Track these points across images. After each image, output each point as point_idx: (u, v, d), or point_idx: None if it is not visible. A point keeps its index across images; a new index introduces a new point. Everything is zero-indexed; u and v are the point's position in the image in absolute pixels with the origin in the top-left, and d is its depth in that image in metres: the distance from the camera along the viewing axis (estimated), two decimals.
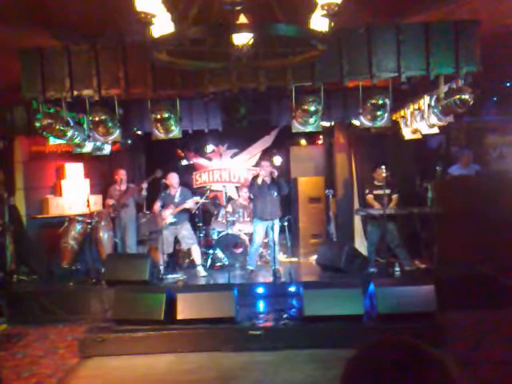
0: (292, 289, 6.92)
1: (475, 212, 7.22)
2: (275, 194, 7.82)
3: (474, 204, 7.30)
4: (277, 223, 7.91)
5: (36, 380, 5.06)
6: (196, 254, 8.19)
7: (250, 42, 3.97)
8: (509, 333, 5.53)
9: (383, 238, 7.63)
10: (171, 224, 8.11)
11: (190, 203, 8.26)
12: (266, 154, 10.03)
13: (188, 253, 8.58)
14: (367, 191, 8.15)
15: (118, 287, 6.38)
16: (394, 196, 7.92)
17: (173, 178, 8.30)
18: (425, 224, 8.12)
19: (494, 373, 4.61)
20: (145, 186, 8.53)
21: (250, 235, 8.77)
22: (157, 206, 8.25)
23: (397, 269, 7.41)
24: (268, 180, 7.88)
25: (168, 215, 8.10)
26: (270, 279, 7.29)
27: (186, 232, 8.19)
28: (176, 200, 8.22)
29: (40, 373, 5.24)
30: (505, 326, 5.82)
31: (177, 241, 8.36)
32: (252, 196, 8.17)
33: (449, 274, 7.13)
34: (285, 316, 6.09)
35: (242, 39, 3.97)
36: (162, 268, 7.83)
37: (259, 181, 7.80)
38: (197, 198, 8.52)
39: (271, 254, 7.76)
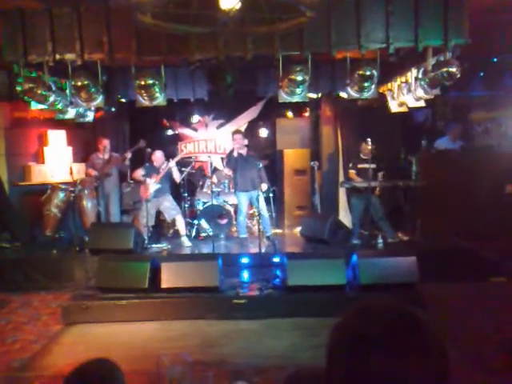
0: (276, 259, 6.96)
1: (459, 186, 7.29)
2: (253, 164, 7.87)
3: (457, 178, 7.36)
4: (260, 193, 7.93)
5: (19, 346, 5.06)
6: (180, 225, 8.19)
7: (237, 7, 3.89)
8: (489, 304, 5.64)
9: (367, 211, 7.70)
10: (155, 195, 8.04)
11: (176, 172, 8.21)
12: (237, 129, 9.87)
13: (172, 223, 8.56)
14: (351, 165, 8.18)
15: (101, 255, 6.36)
16: (380, 174, 7.95)
17: (158, 157, 8.24)
18: (409, 197, 8.20)
19: (473, 343, 4.71)
20: (128, 156, 8.46)
21: (235, 206, 8.80)
22: (138, 173, 8.18)
23: (380, 241, 7.48)
24: (244, 152, 7.94)
25: (152, 183, 8.05)
26: (255, 250, 7.33)
27: (168, 203, 8.16)
28: (160, 170, 8.16)
29: (23, 339, 5.24)
30: (484, 297, 5.94)
31: (160, 212, 8.33)
32: (230, 169, 8.16)
33: (431, 247, 7.23)
34: (268, 285, 6.15)
35: (229, 3, 3.88)
36: (146, 238, 7.81)
37: (235, 154, 7.86)
38: (184, 169, 8.48)
39: (263, 222, 7.86)
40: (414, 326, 0.97)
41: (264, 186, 8.05)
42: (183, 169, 8.79)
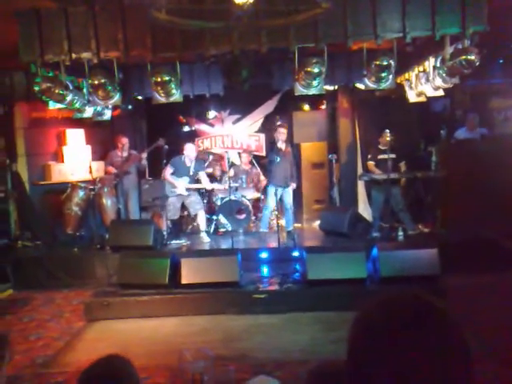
0: (295, 253, 6.94)
1: (479, 176, 7.16)
2: (289, 161, 8.08)
3: (478, 168, 7.23)
4: (290, 189, 8.16)
5: (43, 343, 5.14)
6: (201, 220, 8.28)
7: (252, 0, 3.86)
8: (510, 296, 5.56)
9: (387, 203, 7.62)
10: (181, 194, 8.19)
11: (207, 184, 8.43)
12: (283, 121, 9.87)
13: (192, 219, 8.62)
14: (370, 156, 8.09)
15: (122, 252, 6.42)
16: (402, 164, 7.87)
17: (190, 149, 8.33)
18: (428, 188, 8.09)
19: (496, 335, 4.64)
20: (144, 155, 8.55)
21: (253, 201, 8.81)
22: (168, 171, 8.22)
23: (400, 233, 7.41)
24: (283, 147, 8.00)
25: (182, 188, 8.14)
26: (275, 244, 7.32)
27: (194, 197, 8.28)
28: (191, 172, 8.27)
29: (47, 336, 5.33)
30: (507, 288, 5.85)
31: (182, 207, 8.40)
32: (269, 160, 8.22)
33: (452, 238, 7.14)
34: (288, 280, 6.13)
35: None
36: (165, 234, 7.86)
37: (279, 145, 7.97)
38: (218, 186, 8.66)
39: (286, 217, 8.01)
40: (434, 319, 0.94)
41: (293, 185, 8.28)
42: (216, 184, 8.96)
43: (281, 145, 8.02)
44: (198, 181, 8.45)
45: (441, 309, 0.96)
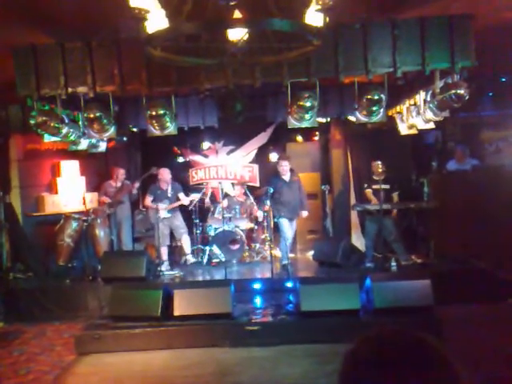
0: (289, 284, 6.93)
1: (471, 207, 7.22)
2: (296, 190, 8.08)
3: (469, 199, 7.30)
4: (295, 222, 8.24)
5: (33, 377, 5.06)
6: (186, 243, 8.56)
7: (245, 38, 3.96)
8: (506, 325, 5.55)
9: (380, 233, 7.66)
10: (165, 217, 8.28)
11: (186, 201, 8.41)
12: (284, 154, 9.87)
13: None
14: (366, 185, 8.15)
15: (114, 284, 6.39)
16: (395, 194, 7.93)
17: (165, 173, 8.45)
18: (421, 219, 8.15)
19: (491, 365, 4.63)
20: (137, 185, 8.61)
21: (247, 231, 8.84)
22: (148, 200, 8.41)
23: (393, 263, 7.42)
24: (287, 178, 8.07)
25: (163, 209, 8.23)
26: (267, 275, 7.31)
27: (178, 222, 8.52)
28: (169, 195, 8.39)
29: (37, 370, 5.25)
30: (501, 318, 5.85)
31: (172, 235, 8.54)
32: (272, 193, 8.08)
33: (445, 269, 7.16)
34: (282, 311, 6.11)
35: (237, 35, 3.96)
36: (159, 264, 7.87)
37: (283, 178, 8.05)
38: (195, 196, 8.62)
39: (284, 248, 7.91)
40: (424, 353, 0.96)
41: (305, 213, 8.23)
42: (192, 194, 8.98)
43: (285, 177, 8.08)
44: (177, 199, 8.60)
45: (431, 345, 0.98)
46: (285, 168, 8.06)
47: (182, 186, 8.88)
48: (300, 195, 8.18)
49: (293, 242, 9.52)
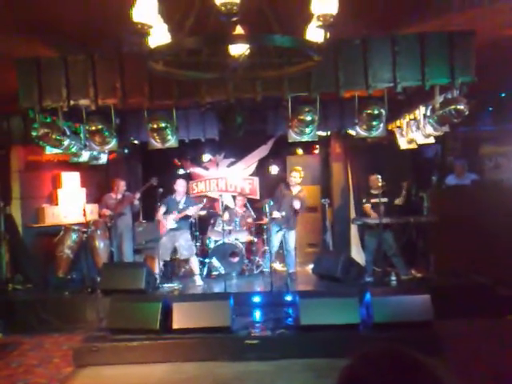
0: (288, 298, 6.90)
1: (471, 221, 7.23)
2: (294, 205, 8.11)
3: (469, 213, 7.31)
4: (292, 232, 8.25)
5: None
6: (194, 265, 8.28)
7: (246, 53, 4.00)
8: (506, 341, 5.53)
9: (380, 247, 7.65)
10: (171, 229, 8.14)
11: (193, 210, 8.30)
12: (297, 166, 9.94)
13: (184, 261, 8.59)
14: (364, 200, 8.16)
15: (113, 296, 6.37)
16: (398, 200, 7.93)
17: (181, 185, 8.39)
18: (421, 233, 8.14)
19: (494, 381, 4.61)
20: (137, 196, 8.56)
21: (247, 244, 8.82)
22: (160, 211, 8.23)
23: (393, 278, 7.41)
24: (295, 190, 8.28)
25: (170, 220, 8.13)
26: (267, 288, 7.28)
27: (183, 242, 8.19)
28: (180, 206, 8.25)
29: (34, 382, 5.22)
30: (501, 334, 5.83)
31: (174, 249, 8.35)
32: (272, 202, 8.25)
33: (445, 283, 7.15)
34: (281, 325, 6.08)
35: (239, 50, 4.00)
36: (157, 277, 7.82)
37: (292, 189, 8.22)
38: (200, 205, 8.58)
39: (288, 259, 7.92)
40: (419, 377, 0.97)
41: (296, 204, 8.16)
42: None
43: (293, 188, 8.24)
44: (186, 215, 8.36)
45: (426, 365, 0.99)
46: (294, 179, 8.24)
47: (193, 201, 8.73)
48: (295, 209, 8.18)
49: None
